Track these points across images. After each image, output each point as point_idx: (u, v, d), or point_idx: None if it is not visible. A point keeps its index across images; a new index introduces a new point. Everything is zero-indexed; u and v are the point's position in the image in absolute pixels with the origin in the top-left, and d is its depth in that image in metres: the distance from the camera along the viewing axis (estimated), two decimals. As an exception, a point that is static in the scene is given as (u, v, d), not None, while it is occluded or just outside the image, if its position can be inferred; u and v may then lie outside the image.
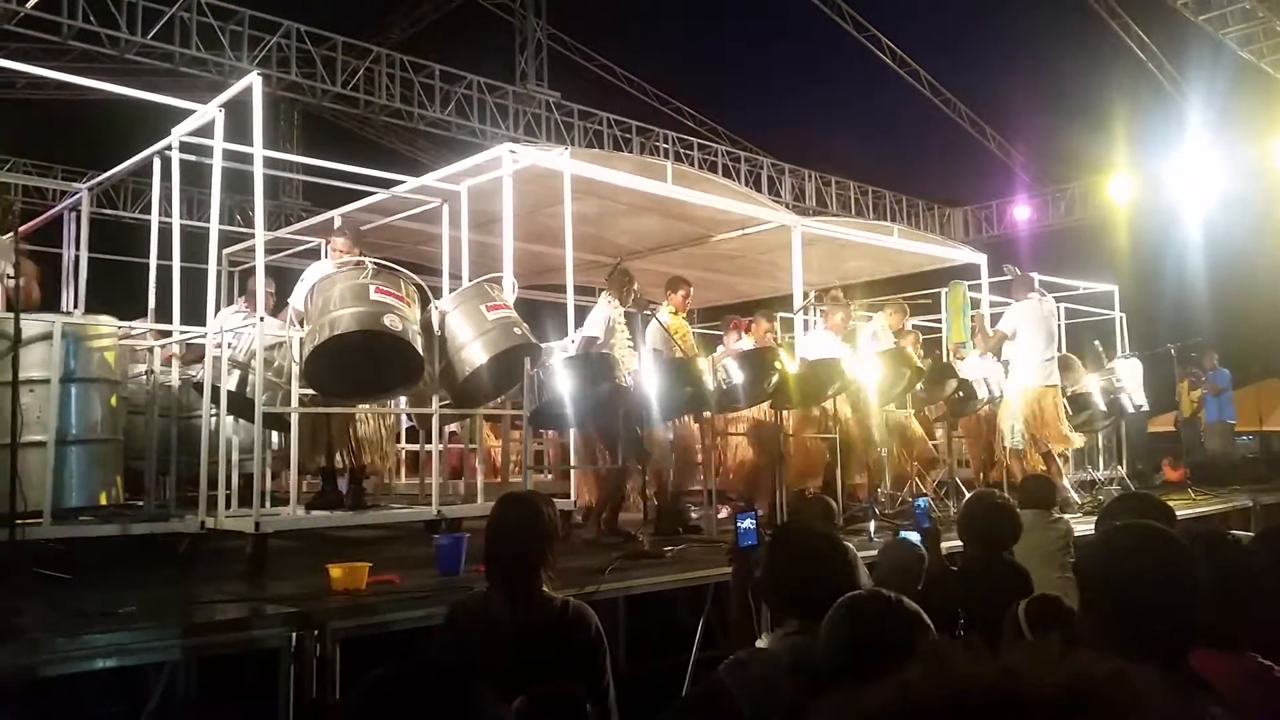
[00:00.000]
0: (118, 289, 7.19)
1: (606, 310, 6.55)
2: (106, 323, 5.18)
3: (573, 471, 6.45)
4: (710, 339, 10.45)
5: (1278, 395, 18.93)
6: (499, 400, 6.40)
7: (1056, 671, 0.70)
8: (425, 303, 5.42)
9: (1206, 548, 2.28)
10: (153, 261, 5.74)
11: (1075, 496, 8.24)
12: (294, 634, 3.33)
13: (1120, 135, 17.65)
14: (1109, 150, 17.76)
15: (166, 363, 5.87)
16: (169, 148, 5.54)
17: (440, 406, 5.63)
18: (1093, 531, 3.76)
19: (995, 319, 9.33)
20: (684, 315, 7.28)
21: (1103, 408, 9.23)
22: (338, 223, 7.77)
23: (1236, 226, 17.32)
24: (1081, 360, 9.94)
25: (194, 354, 6.23)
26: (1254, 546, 2.79)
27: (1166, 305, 17.10)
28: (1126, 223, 17.67)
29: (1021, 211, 20.19)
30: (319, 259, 7.32)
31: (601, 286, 6.97)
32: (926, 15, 19.35)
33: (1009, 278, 8.75)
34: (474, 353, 5.40)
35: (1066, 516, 6.01)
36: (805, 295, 8.70)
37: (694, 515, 7.01)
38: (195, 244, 5.65)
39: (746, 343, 7.75)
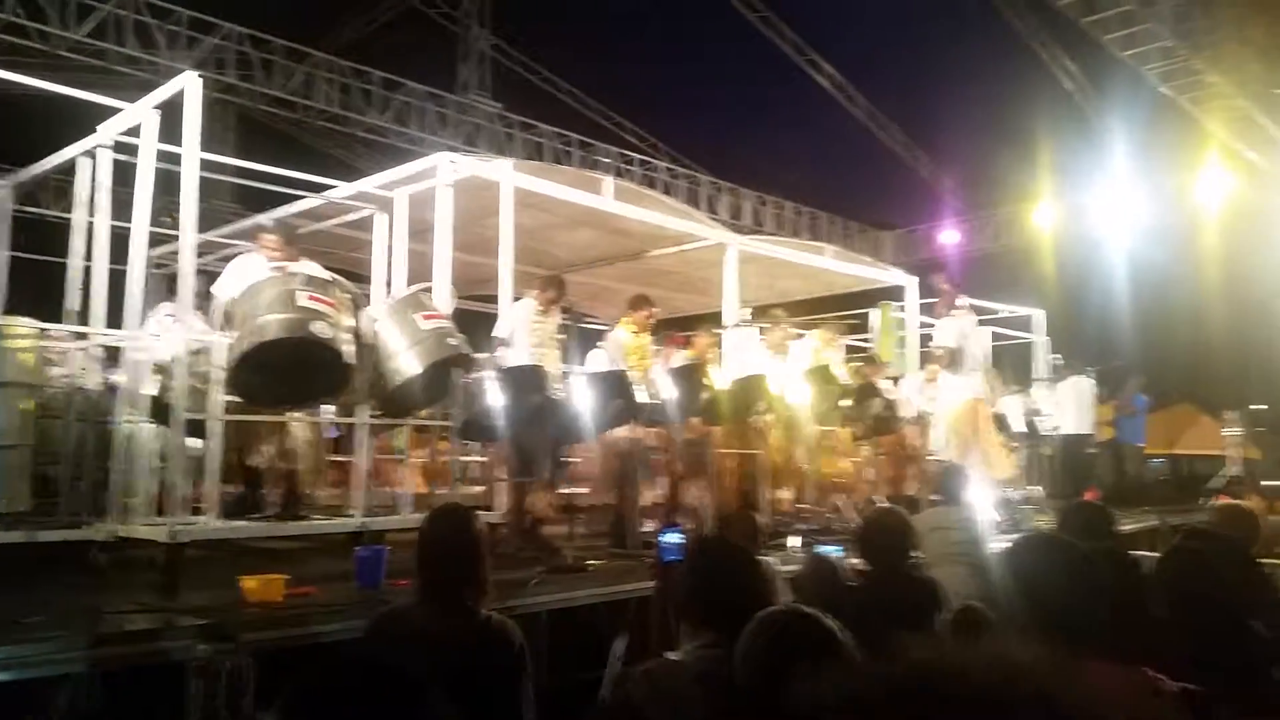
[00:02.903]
0: (39, 289, 7.00)
1: (518, 312, 6.54)
2: (24, 324, 5.05)
3: (498, 483, 6.42)
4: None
5: (1189, 419, 19.59)
6: (429, 410, 6.35)
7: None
8: (357, 310, 5.37)
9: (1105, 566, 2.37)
10: (76, 262, 5.61)
11: (995, 514, 8.41)
12: (205, 647, 3.27)
13: (1046, 164, 18.17)
14: (1035, 178, 18.26)
15: (86, 366, 5.73)
16: (98, 146, 5.43)
17: (369, 416, 5.57)
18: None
19: (925, 339, 9.53)
20: (645, 334, 7.29)
21: (1020, 429, 9.46)
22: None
23: (1156, 256, 17.90)
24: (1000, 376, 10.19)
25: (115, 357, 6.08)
26: (1152, 566, 2.90)
27: (1088, 330, 17.59)
28: (1051, 249, 18.16)
29: (950, 236, 20.65)
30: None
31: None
32: (865, 42, 19.79)
33: (937, 298, 8.92)
34: (406, 362, 5.36)
35: (979, 516, 6.12)
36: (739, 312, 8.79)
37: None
38: (121, 245, 5.53)
39: (684, 357, 7.80)
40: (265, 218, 7.80)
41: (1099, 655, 2.16)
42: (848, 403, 8.01)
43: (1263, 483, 13.02)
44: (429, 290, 5.86)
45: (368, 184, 7.01)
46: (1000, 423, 9.18)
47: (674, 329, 9.44)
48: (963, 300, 8.53)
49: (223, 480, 5.26)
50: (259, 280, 5.22)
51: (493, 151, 15.76)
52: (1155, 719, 2.13)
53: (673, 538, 3.37)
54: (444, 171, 6.40)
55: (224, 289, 5.83)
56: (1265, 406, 16.12)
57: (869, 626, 3.32)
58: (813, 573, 4.34)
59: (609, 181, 7.78)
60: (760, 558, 2.97)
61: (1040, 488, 10.56)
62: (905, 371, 10.31)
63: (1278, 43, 12.76)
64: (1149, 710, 2.14)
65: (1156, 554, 3.92)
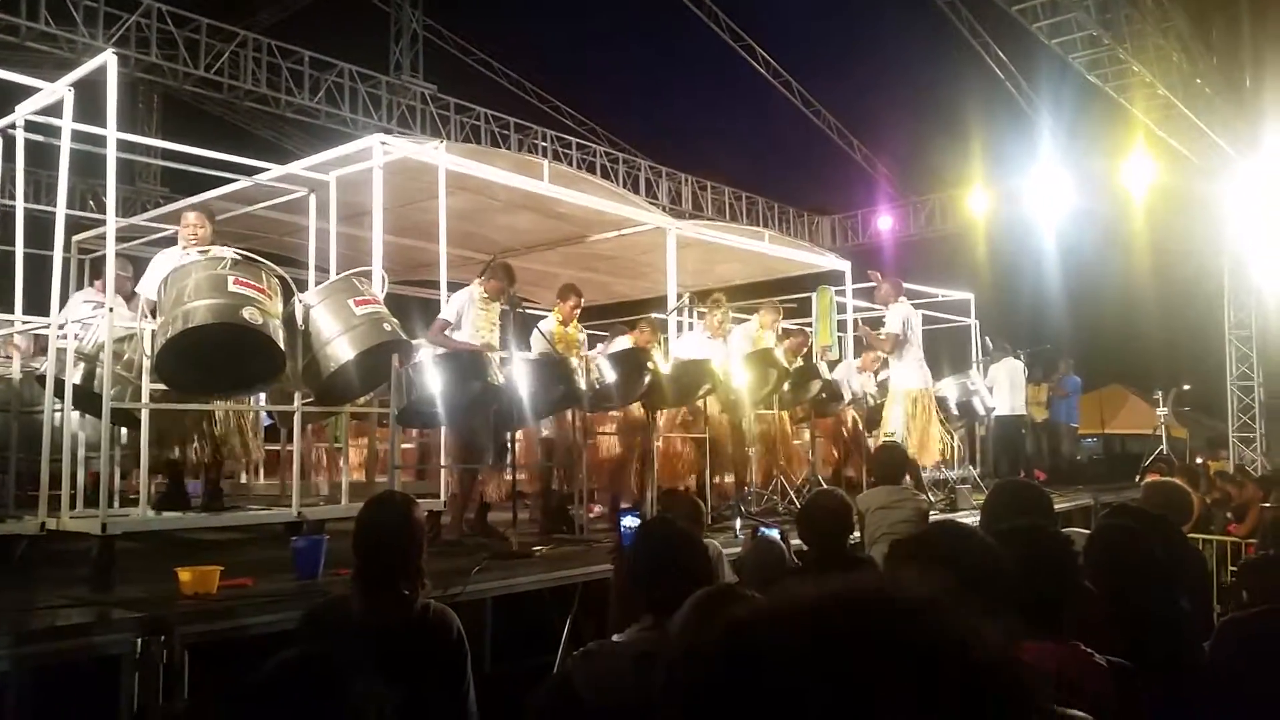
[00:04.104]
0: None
1: (463, 297, 6.50)
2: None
3: (442, 471, 6.36)
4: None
5: (1120, 400, 20.20)
6: (367, 398, 6.26)
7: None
8: (289, 296, 5.25)
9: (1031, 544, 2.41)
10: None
11: (929, 495, 8.56)
12: (139, 639, 3.18)
13: (979, 150, 18.51)
14: (968, 164, 18.59)
15: (8, 354, 5.54)
16: (13, 126, 5.23)
17: (303, 404, 5.46)
18: (976, 521, 3.89)
19: (873, 324, 9.64)
20: (573, 324, 7.28)
21: (955, 410, 9.64)
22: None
23: (1086, 240, 18.36)
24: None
25: (37, 346, 5.89)
26: (1083, 544, 2.96)
27: (1020, 313, 18.00)
28: (984, 234, 18.50)
29: (885, 221, 20.93)
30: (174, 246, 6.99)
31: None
32: (801, 29, 19.93)
33: (873, 284, 9.06)
34: (340, 348, 5.25)
35: (921, 495, 6.24)
36: (679, 297, 8.81)
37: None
38: (41, 229, 5.35)
39: (625, 343, 7.80)
40: (194, 201, 7.61)
41: (1033, 632, 2.20)
42: (787, 386, 8.06)
43: (1197, 460, 13.47)
44: (364, 275, 5.75)
45: (299, 166, 6.86)
46: (941, 405, 9.35)
47: (614, 314, 9.43)
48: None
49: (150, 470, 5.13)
50: (185, 264, 5.07)
51: (428, 134, 15.53)
52: (1087, 693, 2.17)
53: (632, 521, 3.36)
54: (377, 154, 6.28)
55: (149, 287, 5.59)
56: (1189, 387, 16.68)
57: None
58: (755, 554, 4.38)
59: (546, 165, 7.72)
60: (701, 539, 2.97)
61: (975, 468, 10.79)
62: (841, 355, 10.44)
63: (1198, 34, 13.12)
64: (1081, 685, 2.18)
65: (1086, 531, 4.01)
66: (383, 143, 6.40)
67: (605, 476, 7.45)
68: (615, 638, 2.52)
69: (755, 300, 10.01)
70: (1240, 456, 14.83)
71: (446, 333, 6.46)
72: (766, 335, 8.57)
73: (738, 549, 4.93)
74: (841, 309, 10.56)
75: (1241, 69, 13.40)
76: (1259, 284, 14.74)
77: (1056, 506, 9.09)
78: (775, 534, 4.34)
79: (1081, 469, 14.33)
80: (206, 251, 5.70)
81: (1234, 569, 7.40)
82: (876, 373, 9.46)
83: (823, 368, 9.03)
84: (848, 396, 9.08)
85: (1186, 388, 17.27)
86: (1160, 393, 14.88)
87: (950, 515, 7.82)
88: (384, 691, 1.64)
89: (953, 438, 9.22)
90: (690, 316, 10.39)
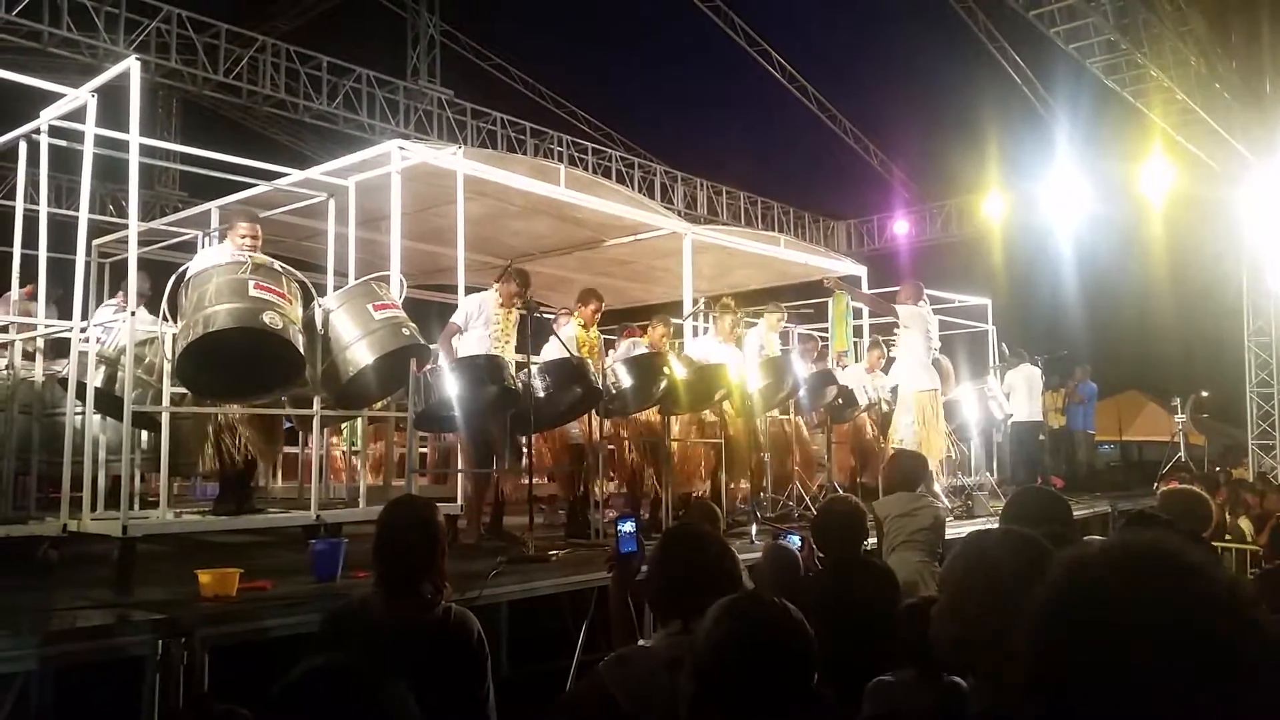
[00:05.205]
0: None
1: (473, 303, 6.52)
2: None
3: (459, 475, 6.38)
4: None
5: (1137, 406, 20.08)
6: (385, 402, 6.28)
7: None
8: (308, 300, 5.28)
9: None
10: (16, 250, 5.46)
11: (946, 501, 8.53)
12: (160, 641, 3.20)
13: (995, 155, 18.45)
14: (984, 169, 18.53)
15: (30, 356, 5.59)
16: (36, 131, 5.28)
17: (322, 408, 5.48)
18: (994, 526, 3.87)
19: (885, 330, 9.63)
20: (593, 328, 7.29)
21: (975, 417, 9.60)
22: (215, 217, 7.53)
23: (1103, 246, 18.27)
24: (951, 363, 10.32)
25: (59, 349, 5.94)
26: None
27: (1037, 319, 17.91)
28: (1000, 239, 18.43)
29: (901, 226, 20.87)
30: (194, 253, 7.02)
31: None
32: (817, 34, 19.96)
33: (892, 289, 9.05)
34: (359, 353, 5.27)
35: (938, 503, 6.21)
36: (695, 302, 8.82)
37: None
38: (63, 234, 5.40)
39: (642, 346, 7.79)
40: (213, 205, 7.67)
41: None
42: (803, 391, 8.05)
43: (1215, 468, 13.36)
44: (382, 279, 5.77)
45: (318, 171, 6.91)
46: (953, 410, 9.32)
47: (630, 319, 9.44)
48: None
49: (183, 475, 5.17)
50: (206, 268, 5.10)
51: (445, 139, 15.59)
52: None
53: (628, 528, 3.34)
54: (395, 159, 6.32)
55: None
56: (1207, 394, 16.54)
57: (825, 614, 3.34)
58: (771, 561, 4.36)
59: (563, 170, 7.74)
60: (729, 545, 2.96)
61: (992, 475, 10.73)
62: (857, 359, 10.42)
63: (1217, 38, 13.05)
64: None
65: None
66: (401, 148, 6.44)
67: (622, 482, 7.46)
68: (643, 643, 2.52)
69: (768, 306, 10.01)
70: (1260, 464, 14.71)
71: (454, 338, 6.49)
72: (772, 337, 8.57)
73: (755, 554, 4.93)
74: (857, 314, 10.54)
75: (1261, 74, 13.32)
76: (1278, 290, 14.64)
77: (1075, 514, 9.08)
78: (796, 540, 4.33)
79: (1099, 476, 14.25)
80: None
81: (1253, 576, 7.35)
82: (886, 370, 9.43)
83: (838, 373, 9.02)
84: (863, 402, 9.06)
85: (1205, 394, 17.16)
86: (1178, 399, 14.78)
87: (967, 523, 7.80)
88: (407, 695, 1.65)
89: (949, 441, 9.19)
90: (706, 322, 10.40)
